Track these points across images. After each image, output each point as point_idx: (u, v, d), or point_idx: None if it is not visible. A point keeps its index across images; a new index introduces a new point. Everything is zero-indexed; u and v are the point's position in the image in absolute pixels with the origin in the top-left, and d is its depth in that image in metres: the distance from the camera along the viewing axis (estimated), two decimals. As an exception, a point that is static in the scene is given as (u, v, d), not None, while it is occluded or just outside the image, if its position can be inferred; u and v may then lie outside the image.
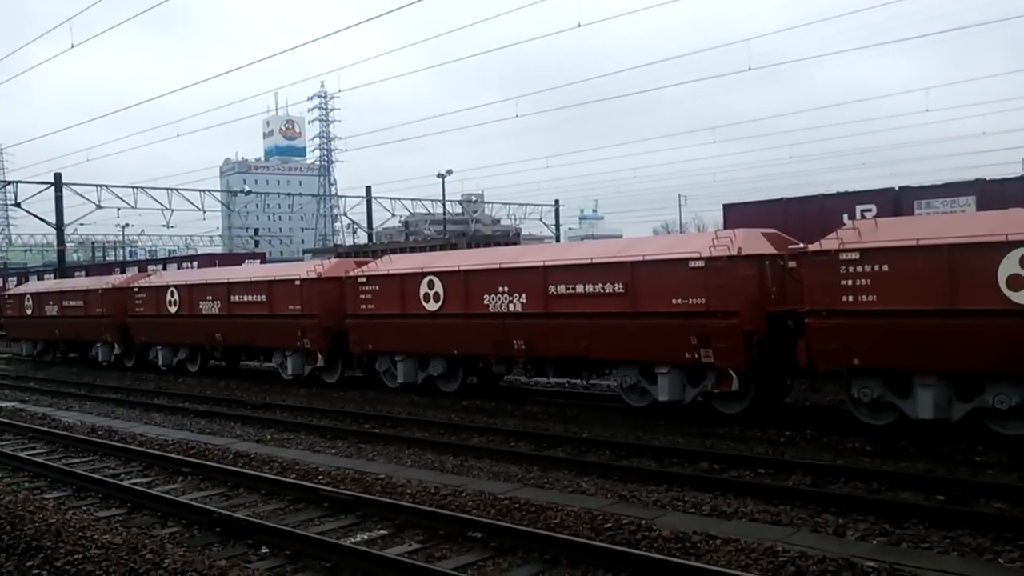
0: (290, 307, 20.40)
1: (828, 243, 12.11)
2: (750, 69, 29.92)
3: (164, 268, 38.52)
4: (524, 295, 15.56)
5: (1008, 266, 10.50)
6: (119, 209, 49.71)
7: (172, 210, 50.22)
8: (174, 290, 24.19)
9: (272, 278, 21.43)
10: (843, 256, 11.79)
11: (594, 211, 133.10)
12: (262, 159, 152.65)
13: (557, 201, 68.05)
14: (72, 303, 28.89)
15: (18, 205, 44.56)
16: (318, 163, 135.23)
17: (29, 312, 31.43)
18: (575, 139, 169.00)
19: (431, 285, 17.25)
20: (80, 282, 32.91)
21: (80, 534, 8.11)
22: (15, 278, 52.39)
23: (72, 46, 27.12)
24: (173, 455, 12.43)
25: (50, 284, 35.41)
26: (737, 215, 21.24)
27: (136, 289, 25.89)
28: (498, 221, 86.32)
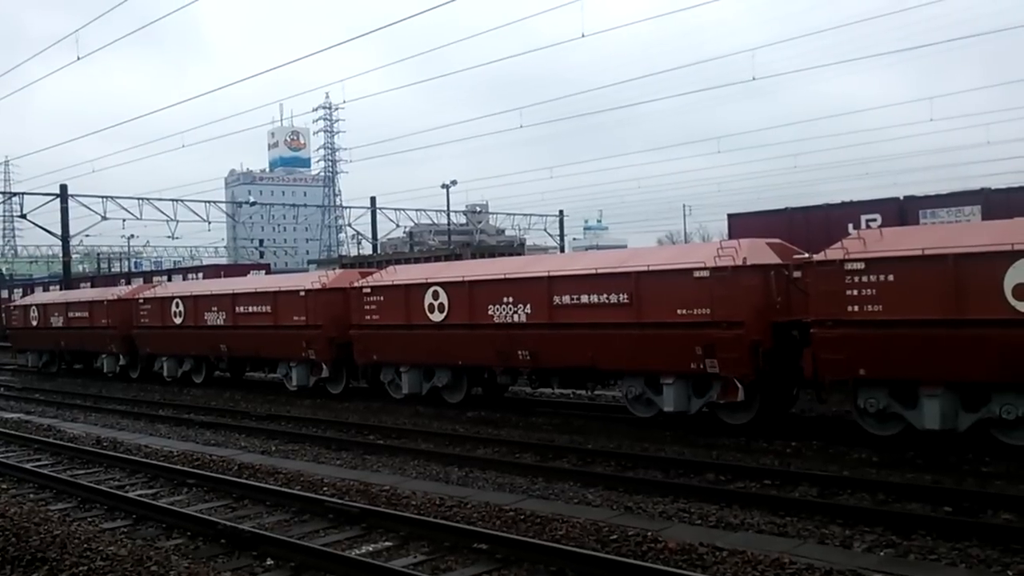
0: (295, 318, 20.43)
1: (833, 253, 12.10)
2: (754, 79, 30.03)
3: (169, 279, 38.58)
4: (529, 305, 15.55)
5: (1014, 275, 10.47)
6: (124, 220, 49.93)
7: (177, 221, 50.41)
8: (179, 301, 24.22)
9: (277, 289, 21.45)
10: (848, 266, 11.77)
11: (598, 221, 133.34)
12: (267, 170, 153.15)
13: (561, 211, 68.21)
14: (77, 314, 28.96)
15: (24, 216, 44.74)
16: (323, 174, 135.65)
17: (34, 323, 31.51)
18: (579, 150, 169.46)
19: (436, 296, 17.26)
20: (85, 293, 32.98)
21: (85, 546, 8.11)
22: (21, 289, 52.51)
23: (78, 58, 27.35)
24: (178, 466, 12.42)
25: (55, 295, 35.48)
26: (742, 225, 21.25)
27: (141, 300, 25.92)
28: (502, 231, 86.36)
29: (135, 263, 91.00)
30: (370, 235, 59.59)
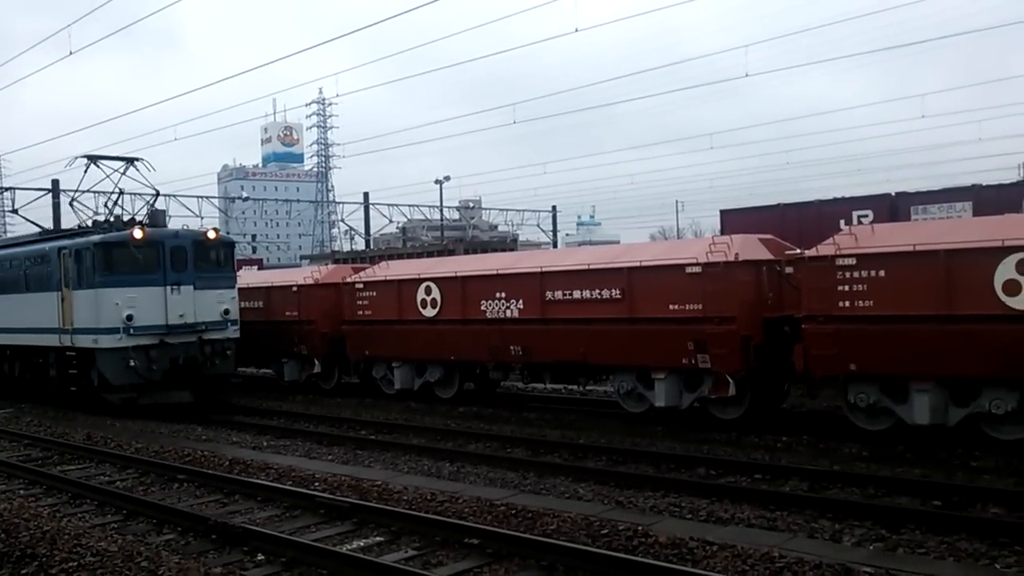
0: (287, 313, 20.39)
1: (825, 249, 12.12)
2: (747, 75, 29.99)
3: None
4: (521, 301, 15.55)
5: (1004, 271, 10.51)
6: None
7: (170, 216, 50.04)
8: (171, 296, 24.10)
9: (269, 284, 21.43)
10: (840, 262, 11.79)
11: (591, 217, 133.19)
12: (260, 165, 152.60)
13: (554, 207, 67.93)
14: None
15: (15, 211, 44.42)
16: (316, 169, 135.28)
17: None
18: (571, 146, 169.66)
19: (428, 291, 17.24)
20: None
21: (75, 541, 8.08)
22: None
23: (71, 52, 27.20)
24: (169, 462, 12.39)
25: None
26: (734, 221, 21.25)
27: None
28: (495, 227, 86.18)
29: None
30: (363, 230, 59.43)
